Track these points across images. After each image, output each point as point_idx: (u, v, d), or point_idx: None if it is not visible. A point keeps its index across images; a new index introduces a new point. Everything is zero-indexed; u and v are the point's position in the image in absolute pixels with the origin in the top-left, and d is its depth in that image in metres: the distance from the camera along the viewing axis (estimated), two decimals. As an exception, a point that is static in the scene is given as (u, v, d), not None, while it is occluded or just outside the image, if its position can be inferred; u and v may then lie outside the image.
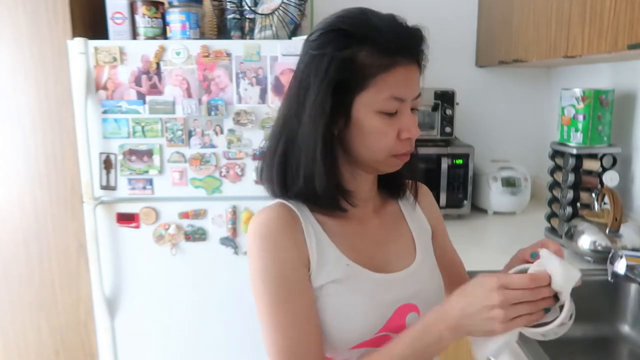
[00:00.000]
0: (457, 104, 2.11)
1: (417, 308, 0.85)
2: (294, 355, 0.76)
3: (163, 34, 1.82)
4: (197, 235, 1.84)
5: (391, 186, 0.93)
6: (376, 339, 0.80)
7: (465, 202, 2.07)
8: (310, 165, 0.78)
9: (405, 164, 0.86)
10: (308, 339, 0.76)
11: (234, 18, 1.86)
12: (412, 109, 0.81)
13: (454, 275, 1.01)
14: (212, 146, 1.80)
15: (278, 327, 0.76)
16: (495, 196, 2.10)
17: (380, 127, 0.78)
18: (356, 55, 0.75)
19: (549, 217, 1.82)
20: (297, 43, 1.71)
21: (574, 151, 1.66)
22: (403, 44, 0.77)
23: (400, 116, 0.78)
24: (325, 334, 0.79)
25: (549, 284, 0.69)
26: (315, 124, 0.77)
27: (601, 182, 1.63)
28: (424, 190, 1.01)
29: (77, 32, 1.79)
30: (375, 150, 0.79)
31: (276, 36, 1.79)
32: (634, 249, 1.43)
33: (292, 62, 0.85)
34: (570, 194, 1.69)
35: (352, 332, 0.79)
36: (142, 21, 1.79)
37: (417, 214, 0.97)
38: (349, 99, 0.77)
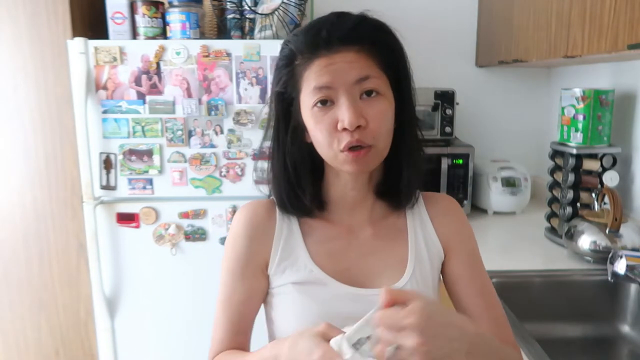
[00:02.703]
0: (457, 104, 2.11)
1: None
2: (214, 329, 0.88)
3: (163, 34, 1.82)
4: (197, 235, 1.84)
5: (388, 195, 0.85)
6: None
7: (465, 202, 2.07)
8: (270, 170, 0.85)
9: (401, 171, 0.81)
10: (232, 319, 0.85)
11: (234, 18, 1.86)
12: (364, 96, 0.74)
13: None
14: (212, 146, 1.80)
15: (220, 300, 0.87)
16: (495, 196, 2.10)
17: (313, 123, 0.76)
18: (290, 62, 0.78)
19: (549, 217, 1.82)
20: (297, 43, 1.71)
21: (574, 151, 1.66)
22: (320, 36, 0.74)
23: (337, 106, 0.74)
24: (275, 331, 0.85)
25: None
26: (269, 131, 0.84)
27: (601, 182, 1.63)
28: (445, 203, 0.90)
29: (77, 32, 1.79)
30: (321, 147, 0.78)
31: (276, 36, 1.79)
32: (634, 249, 1.43)
33: (292, 62, 0.85)
34: (570, 194, 1.69)
35: None
36: (142, 21, 1.79)
37: (427, 230, 0.87)
38: (296, 106, 0.79)
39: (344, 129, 0.73)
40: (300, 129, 0.80)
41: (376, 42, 0.76)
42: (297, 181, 0.82)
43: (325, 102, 0.75)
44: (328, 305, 0.79)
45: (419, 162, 0.85)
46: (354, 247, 0.84)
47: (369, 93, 0.75)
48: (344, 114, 0.73)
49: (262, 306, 0.90)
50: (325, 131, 0.75)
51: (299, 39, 0.77)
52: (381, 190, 0.86)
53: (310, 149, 0.81)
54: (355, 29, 0.75)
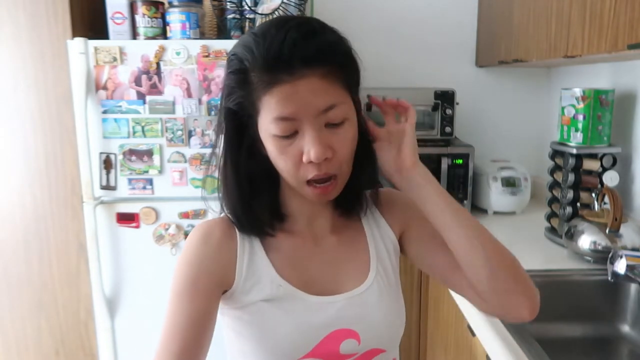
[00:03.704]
0: (457, 104, 2.11)
1: (357, 335, 0.78)
2: (163, 352, 0.76)
3: (163, 34, 1.82)
4: (197, 235, 1.84)
5: (346, 202, 0.84)
6: None
7: (465, 202, 2.07)
8: (221, 187, 0.80)
9: (360, 175, 0.79)
10: (182, 346, 0.75)
11: (234, 18, 1.86)
12: (329, 124, 0.70)
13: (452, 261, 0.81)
14: (212, 146, 1.79)
15: (167, 325, 0.77)
16: (495, 196, 2.10)
17: (275, 151, 0.72)
18: (244, 81, 0.71)
19: (549, 217, 1.82)
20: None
21: (574, 151, 1.65)
22: (281, 57, 0.67)
23: (301, 136, 0.70)
24: (252, 350, 0.79)
25: None
26: (220, 148, 0.79)
27: (601, 182, 1.63)
28: (387, 195, 0.90)
29: (77, 32, 1.79)
30: (283, 174, 0.74)
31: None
32: (634, 249, 1.43)
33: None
34: (570, 194, 1.69)
35: (276, 352, 0.77)
36: (142, 21, 1.79)
37: (381, 227, 0.87)
38: (253, 123, 0.73)
39: (310, 162, 0.70)
40: (255, 142, 0.75)
41: (341, 62, 0.71)
42: (254, 197, 0.79)
43: (289, 135, 0.70)
44: (300, 318, 0.78)
45: (375, 171, 0.83)
46: (317, 256, 0.83)
47: (334, 123, 0.71)
48: (310, 146, 0.69)
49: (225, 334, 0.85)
50: (289, 161, 0.71)
51: (254, 56, 0.68)
52: (338, 199, 0.82)
53: (265, 160, 0.76)
54: (320, 49, 0.68)
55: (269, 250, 0.81)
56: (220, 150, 0.79)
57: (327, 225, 0.85)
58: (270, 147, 0.72)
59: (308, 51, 0.67)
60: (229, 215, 0.82)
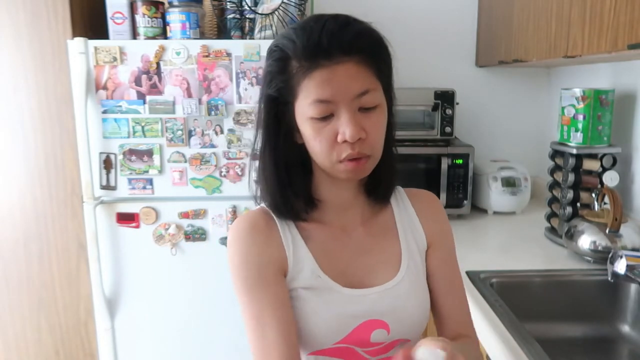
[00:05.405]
0: (457, 104, 2.11)
1: (387, 325, 0.83)
2: (266, 344, 0.78)
3: (163, 34, 1.82)
4: (197, 235, 1.84)
5: (375, 193, 0.89)
6: (335, 349, 0.82)
7: (465, 202, 2.07)
8: (259, 174, 0.84)
9: (382, 167, 0.82)
10: (279, 328, 0.78)
11: (234, 18, 1.86)
12: (362, 108, 0.76)
13: (436, 314, 0.92)
14: (212, 146, 1.80)
15: (252, 317, 0.80)
16: (495, 196, 2.10)
17: (312, 133, 0.76)
18: (285, 68, 0.76)
19: (549, 217, 1.82)
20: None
21: (574, 151, 1.66)
22: (320, 45, 0.73)
23: (337, 118, 0.75)
24: None
25: None
26: (259, 135, 0.83)
27: (601, 182, 1.63)
28: (428, 199, 0.95)
29: (77, 32, 1.79)
30: (317, 156, 0.79)
31: (276, 36, 1.79)
32: (634, 249, 1.43)
33: (292, 62, 0.84)
34: (570, 194, 1.69)
35: (310, 339, 0.81)
36: (142, 21, 1.79)
37: (414, 224, 0.91)
38: (290, 110, 0.78)
39: (345, 141, 0.75)
40: (291, 131, 0.81)
41: (375, 53, 0.77)
42: (290, 183, 0.83)
43: (325, 117, 0.75)
44: (336, 308, 0.81)
45: (395, 158, 0.88)
46: (348, 247, 0.86)
47: (368, 107, 0.76)
48: (345, 127, 0.74)
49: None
50: (325, 142, 0.76)
51: (295, 45, 0.75)
52: (368, 188, 0.88)
53: (300, 149, 0.81)
54: (356, 37, 0.75)
55: (306, 240, 0.85)
56: (259, 138, 0.83)
57: (358, 216, 0.88)
58: (307, 129, 0.77)
59: (345, 39, 0.73)
60: (265, 203, 0.86)
